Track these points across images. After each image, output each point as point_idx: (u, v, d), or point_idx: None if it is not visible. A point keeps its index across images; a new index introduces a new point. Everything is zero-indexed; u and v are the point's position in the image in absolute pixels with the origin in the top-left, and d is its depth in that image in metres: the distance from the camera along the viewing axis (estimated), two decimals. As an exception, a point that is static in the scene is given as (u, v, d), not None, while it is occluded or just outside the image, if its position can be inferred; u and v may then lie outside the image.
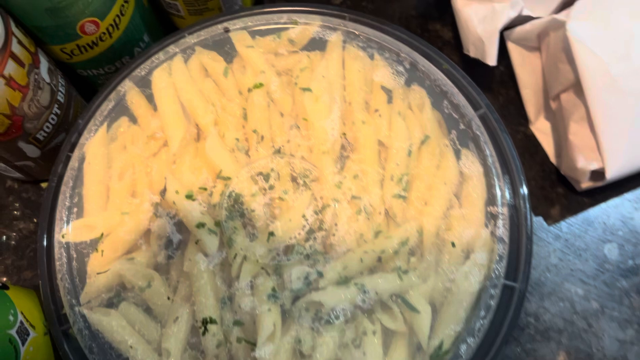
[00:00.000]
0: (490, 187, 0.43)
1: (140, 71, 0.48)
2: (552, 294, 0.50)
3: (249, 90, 0.46)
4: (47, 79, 0.46)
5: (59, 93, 0.48)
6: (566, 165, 0.50)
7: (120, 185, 0.45)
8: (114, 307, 0.42)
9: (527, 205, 0.42)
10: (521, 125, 0.55)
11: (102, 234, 0.43)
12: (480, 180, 0.43)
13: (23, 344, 0.39)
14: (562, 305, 0.49)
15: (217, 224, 0.42)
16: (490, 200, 0.42)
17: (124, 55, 0.52)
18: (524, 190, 0.43)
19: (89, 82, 0.53)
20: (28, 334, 0.40)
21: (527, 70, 0.53)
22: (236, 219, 0.43)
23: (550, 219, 0.52)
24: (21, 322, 0.40)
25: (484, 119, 0.45)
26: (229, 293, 0.41)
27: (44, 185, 0.55)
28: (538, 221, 0.52)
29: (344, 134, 0.45)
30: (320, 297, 0.40)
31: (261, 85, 0.46)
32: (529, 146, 0.54)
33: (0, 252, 0.52)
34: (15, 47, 0.42)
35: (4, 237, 0.53)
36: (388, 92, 0.47)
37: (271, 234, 0.42)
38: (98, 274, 0.42)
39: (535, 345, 0.48)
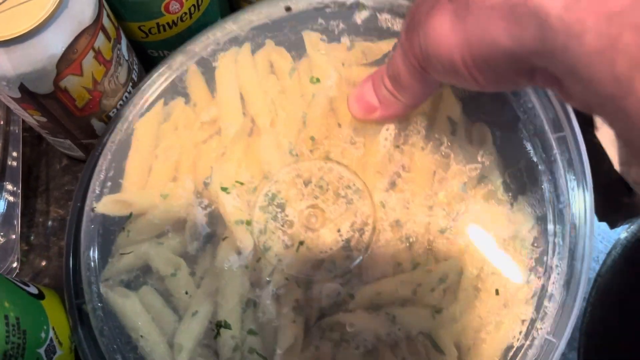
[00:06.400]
0: (547, 234, 0.40)
1: (202, 51, 0.46)
2: None
3: (313, 95, 0.44)
4: (126, 56, 0.46)
5: (134, 71, 0.48)
6: (636, 170, 0.46)
7: (163, 167, 0.44)
8: (135, 289, 0.40)
9: (586, 263, 0.38)
10: (587, 133, 0.51)
11: (131, 214, 0.42)
12: (535, 228, 0.40)
13: (47, 363, 0.38)
14: None
15: (251, 223, 0.41)
16: (546, 250, 0.39)
17: (196, 40, 0.51)
18: (587, 248, 0.39)
19: (156, 63, 0.53)
20: (55, 352, 0.39)
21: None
22: (273, 221, 0.41)
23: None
24: (51, 339, 0.39)
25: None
26: (254, 297, 0.39)
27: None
28: (602, 225, 0.50)
29: (398, 145, 0.43)
30: (348, 319, 0.38)
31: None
32: (595, 153, 0.50)
33: (54, 232, 0.51)
34: (105, 20, 0.42)
35: (59, 218, 0.52)
36: (453, 125, 0.45)
37: (301, 243, 0.40)
38: (121, 254, 0.41)
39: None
